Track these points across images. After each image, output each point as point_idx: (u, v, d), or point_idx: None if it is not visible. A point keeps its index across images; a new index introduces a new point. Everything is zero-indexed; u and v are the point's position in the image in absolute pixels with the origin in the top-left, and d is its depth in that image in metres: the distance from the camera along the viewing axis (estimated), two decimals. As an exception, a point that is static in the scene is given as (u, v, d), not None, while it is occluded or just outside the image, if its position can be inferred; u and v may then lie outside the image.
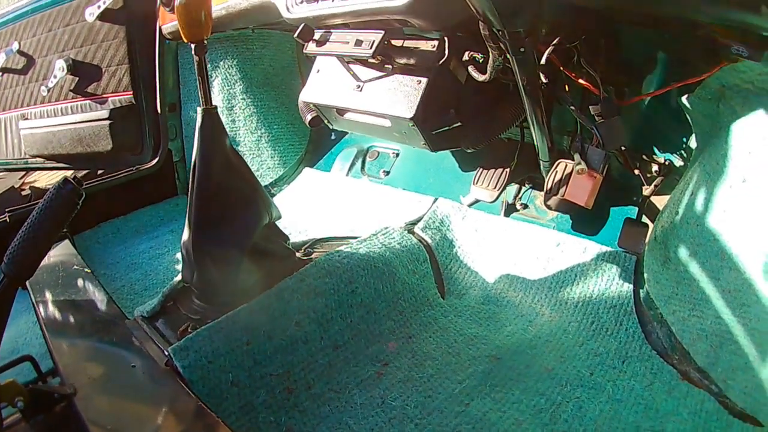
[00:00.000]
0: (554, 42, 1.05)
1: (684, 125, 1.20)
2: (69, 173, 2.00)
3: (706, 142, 1.14)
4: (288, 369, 1.06)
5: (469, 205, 1.60)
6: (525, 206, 1.54)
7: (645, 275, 1.21)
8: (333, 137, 2.15)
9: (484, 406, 1.01)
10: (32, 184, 2.76)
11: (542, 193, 1.34)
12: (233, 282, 1.15)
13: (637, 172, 1.32)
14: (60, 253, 1.57)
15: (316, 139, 2.18)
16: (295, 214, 1.82)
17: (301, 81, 2.10)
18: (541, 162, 1.33)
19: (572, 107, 1.16)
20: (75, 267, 1.46)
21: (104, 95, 1.71)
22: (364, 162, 1.99)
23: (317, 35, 1.31)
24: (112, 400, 0.90)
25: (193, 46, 1.05)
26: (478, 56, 1.18)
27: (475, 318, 1.28)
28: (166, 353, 0.99)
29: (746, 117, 1.00)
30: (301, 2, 1.31)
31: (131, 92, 1.69)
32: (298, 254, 1.34)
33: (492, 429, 0.96)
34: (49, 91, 1.75)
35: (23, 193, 2.63)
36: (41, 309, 1.21)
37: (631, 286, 1.23)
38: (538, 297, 1.31)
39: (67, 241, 1.68)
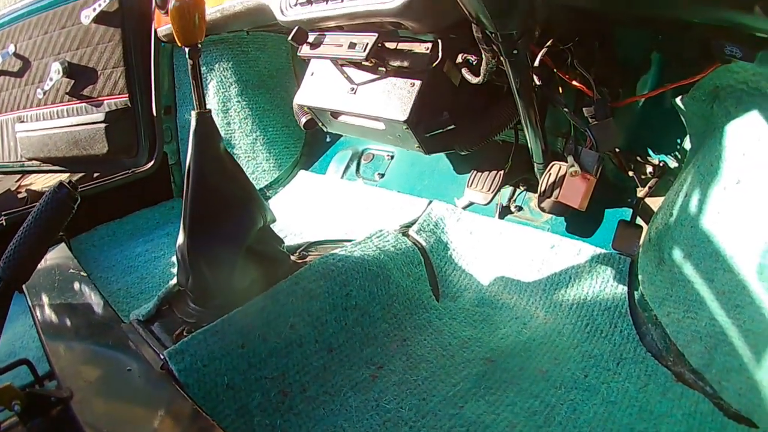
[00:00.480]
0: (547, 44, 1.05)
1: (678, 126, 1.20)
2: (65, 176, 2.00)
3: (700, 144, 1.14)
4: (283, 372, 1.06)
5: (464, 208, 1.59)
6: (519, 208, 1.54)
7: (639, 277, 1.20)
8: (328, 140, 2.15)
9: (478, 408, 1.01)
10: (28, 187, 2.76)
11: (536, 195, 1.34)
12: (228, 285, 1.15)
13: (631, 173, 1.32)
14: (56, 256, 1.56)
15: (311, 142, 2.18)
16: (290, 217, 1.82)
17: (296, 83, 2.09)
18: (535, 164, 1.33)
19: (566, 109, 1.16)
20: (71, 270, 1.46)
21: (100, 98, 1.70)
22: (359, 165, 1.99)
23: (311, 38, 1.31)
24: (109, 403, 0.91)
25: (187, 49, 1.05)
26: (472, 58, 1.18)
27: (469, 320, 1.28)
28: (162, 357, 0.99)
29: (740, 118, 1.00)
30: (295, 5, 1.31)
31: (127, 95, 1.69)
32: (292, 257, 1.34)
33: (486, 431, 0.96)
34: (45, 93, 1.75)
35: (19, 195, 2.63)
36: (38, 312, 1.21)
37: (626, 287, 1.23)
38: (532, 299, 1.31)
39: (63, 245, 1.68)
